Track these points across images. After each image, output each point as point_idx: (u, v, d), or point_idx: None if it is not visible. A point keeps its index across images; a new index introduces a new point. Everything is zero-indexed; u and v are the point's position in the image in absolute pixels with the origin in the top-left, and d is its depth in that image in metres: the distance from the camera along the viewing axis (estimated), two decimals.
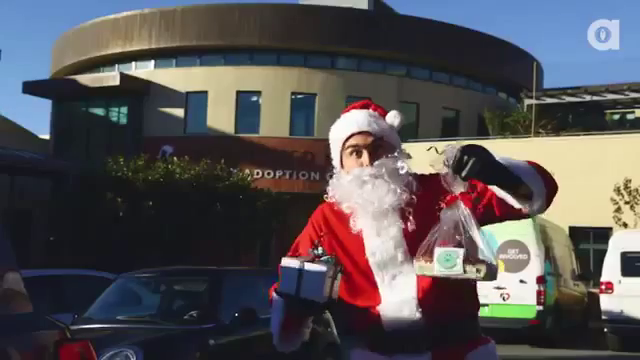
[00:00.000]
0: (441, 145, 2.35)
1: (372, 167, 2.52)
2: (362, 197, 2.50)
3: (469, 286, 2.54)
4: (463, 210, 2.33)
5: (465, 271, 2.28)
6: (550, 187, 2.44)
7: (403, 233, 2.49)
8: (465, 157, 2.23)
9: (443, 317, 2.47)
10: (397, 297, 2.48)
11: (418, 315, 2.46)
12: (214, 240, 20.18)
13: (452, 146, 2.26)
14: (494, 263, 2.32)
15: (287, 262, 2.33)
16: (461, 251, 2.28)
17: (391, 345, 2.50)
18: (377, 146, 2.56)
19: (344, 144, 2.60)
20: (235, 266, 11.33)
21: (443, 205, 2.36)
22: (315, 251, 2.35)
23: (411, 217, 2.49)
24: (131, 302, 8.44)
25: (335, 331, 8.82)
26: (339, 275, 2.34)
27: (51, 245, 21.21)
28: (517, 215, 2.49)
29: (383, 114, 2.65)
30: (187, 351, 6.52)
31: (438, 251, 2.30)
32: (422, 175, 2.60)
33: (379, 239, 2.51)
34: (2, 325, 3.07)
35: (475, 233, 2.33)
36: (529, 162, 2.45)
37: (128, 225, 19.06)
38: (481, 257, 2.31)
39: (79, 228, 19.53)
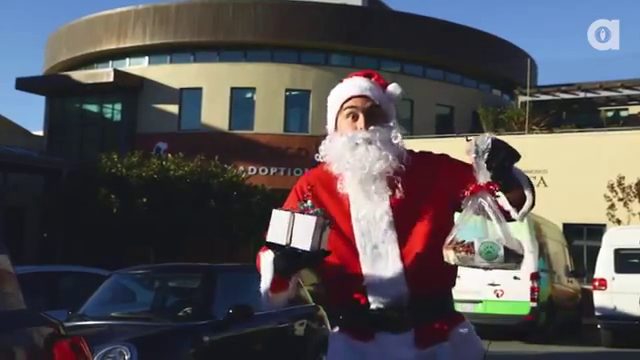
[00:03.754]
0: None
1: (367, 131, 2.53)
2: (353, 160, 2.50)
3: None
4: (489, 200, 2.31)
5: (505, 263, 2.29)
6: (534, 202, 2.46)
7: (390, 201, 2.49)
8: (497, 149, 2.25)
9: (427, 291, 2.47)
10: (381, 268, 2.46)
11: (405, 288, 2.45)
12: (208, 237, 20.17)
13: (485, 135, 2.28)
14: (521, 253, 2.34)
15: (278, 213, 2.35)
16: (502, 244, 2.29)
17: (374, 321, 2.46)
18: (374, 112, 2.57)
19: (342, 105, 2.61)
20: (229, 263, 11.31)
21: (467, 193, 2.32)
22: (304, 204, 2.36)
23: (399, 186, 2.49)
24: (125, 299, 8.43)
25: (329, 327, 8.82)
26: (327, 228, 2.34)
27: (45, 242, 21.17)
28: None
29: (384, 85, 2.67)
30: (181, 348, 6.50)
31: (478, 243, 2.28)
32: (412, 151, 2.62)
33: (365, 205, 2.50)
34: None
35: (503, 224, 2.32)
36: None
37: (122, 221, 19.03)
38: (510, 247, 2.31)
39: (73, 225, 19.49)
